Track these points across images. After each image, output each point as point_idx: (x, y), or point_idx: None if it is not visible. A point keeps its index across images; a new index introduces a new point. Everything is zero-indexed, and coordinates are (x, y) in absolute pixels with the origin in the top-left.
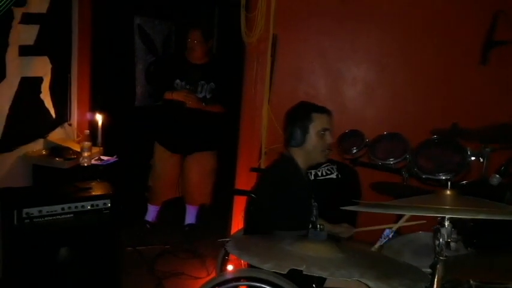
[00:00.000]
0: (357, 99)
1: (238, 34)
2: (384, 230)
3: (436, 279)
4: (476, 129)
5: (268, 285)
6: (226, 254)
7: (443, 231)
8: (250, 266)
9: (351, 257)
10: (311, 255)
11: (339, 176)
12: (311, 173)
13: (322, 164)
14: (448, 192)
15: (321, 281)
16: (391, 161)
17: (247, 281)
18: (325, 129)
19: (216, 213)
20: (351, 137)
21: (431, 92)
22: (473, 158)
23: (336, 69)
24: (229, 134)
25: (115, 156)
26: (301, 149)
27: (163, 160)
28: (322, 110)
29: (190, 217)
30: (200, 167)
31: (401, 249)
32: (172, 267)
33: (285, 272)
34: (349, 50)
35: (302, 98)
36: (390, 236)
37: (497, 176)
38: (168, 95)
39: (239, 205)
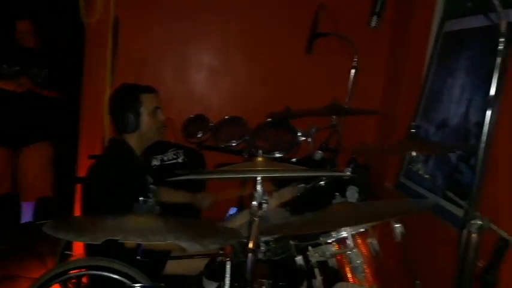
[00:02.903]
0: (202, 85)
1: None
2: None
3: (251, 237)
4: (304, 111)
5: (105, 271)
6: (67, 248)
7: (256, 194)
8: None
9: (170, 224)
10: (131, 226)
11: (186, 159)
12: (157, 158)
13: (169, 148)
14: (260, 159)
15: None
16: (233, 142)
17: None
18: (156, 108)
19: (59, 207)
20: (197, 121)
21: (268, 79)
22: (302, 138)
23: (181, 56)
24: (69, 121)
25: None
26: (136, 133)
27: None
28: (150, 90)
29: (26, 215)
30: (38, 159)
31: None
32: (6, 271)
33: (100, 243)
34: (195, 36)
35: (147, 83)
36: (233, 212)
37: (320, 152)
38: None
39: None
